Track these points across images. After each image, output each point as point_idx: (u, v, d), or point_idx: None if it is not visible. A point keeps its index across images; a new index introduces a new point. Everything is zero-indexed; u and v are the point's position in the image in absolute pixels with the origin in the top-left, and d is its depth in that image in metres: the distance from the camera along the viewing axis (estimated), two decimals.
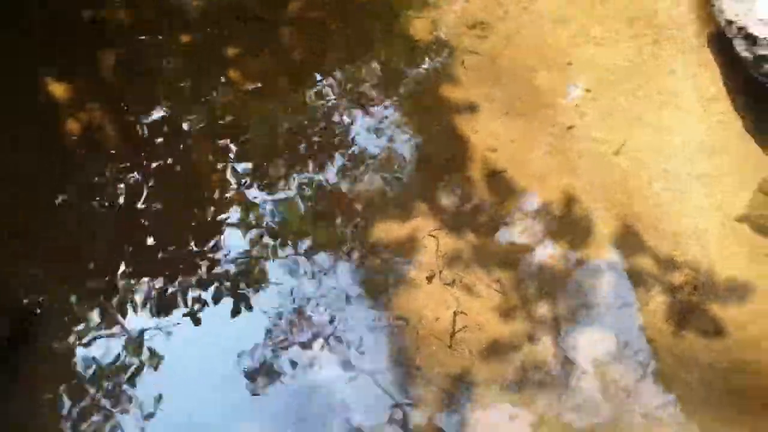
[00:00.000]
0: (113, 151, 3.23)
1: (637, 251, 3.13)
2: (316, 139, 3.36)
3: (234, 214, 3.13)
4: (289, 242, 3.07)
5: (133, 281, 2.91)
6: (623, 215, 3.23)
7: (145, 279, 2.92)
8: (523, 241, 3.12)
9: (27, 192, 3.11)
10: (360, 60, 3.64)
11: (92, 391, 2.67)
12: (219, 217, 3.11)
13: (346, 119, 3.46)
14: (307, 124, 3.40)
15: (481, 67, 3.64)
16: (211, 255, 3.00)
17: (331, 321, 2.88)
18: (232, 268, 2.99)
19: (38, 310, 2.79)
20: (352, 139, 3.41)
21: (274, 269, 3.00)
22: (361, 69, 3.63)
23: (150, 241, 3.01)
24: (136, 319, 2.85)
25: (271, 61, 3.61)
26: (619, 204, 3.26)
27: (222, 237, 3.06)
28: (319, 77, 3.58)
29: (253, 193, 3.19)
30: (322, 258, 3.03)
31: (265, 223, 3.11)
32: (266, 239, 3.07)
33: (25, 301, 2.80)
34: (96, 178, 3.14)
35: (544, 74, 3.67)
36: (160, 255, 2.98)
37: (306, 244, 3.07)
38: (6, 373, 2.62)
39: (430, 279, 2.97)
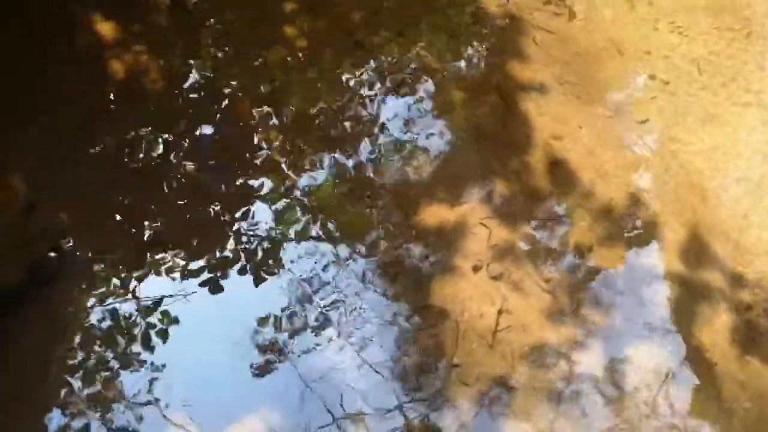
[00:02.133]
0: (152, 106, 3.04)
1: (705, 263, 2.87)
2: (363, 113, 3.14)
3: (266, 185, 2.92)
4: (320, 219, 2.87)
5: (156, 243, 2.75)
6: (692, 222, 2.96)
7: (170, 243, 2.75)
8: (580, 240, 2.88)
9: (64, 136, 2.96)
10: (421, 27, 3.39)
11: (103, 346, 2.55)
12: (250, 187, 2.91)
13: (399, 90, 3.23)
14: (352, 98, 3.17)
15: (555, 46, 3.36)
16: (238, 225, 2.82)
17: (360, 305, 2.69)
18: (259, 241, 2.81)
19: (57, 253, 2.64)
20: (402, 112, 3.17)
21: (303, 246, 2.80)
22: (422, 37, 3.37)
23: (178, 203, 2.84)
24: (157, 280, 2.69)
25: (328, 24, 3.37)
26: (689, 209, 2.99)
27: (251, 208, 2.86)
28: (377, 42, 3.34)
29: (288, 166, 2.97)
30: (357, 238, 2.83)
31: (296, 197, 2.91)
32: (297, 214, 2.86)
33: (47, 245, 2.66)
34: (132, 133, 2.96)
35: (621, 61, 3.37)
36: (187, 217, 2.81)
37: (339, 222, 2.86)
38: (17, 316, 2.50)
39: (476, 269, 2.76)
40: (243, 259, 2.75)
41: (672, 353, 2.67)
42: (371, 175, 2.97)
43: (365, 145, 3.06)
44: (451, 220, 2.87)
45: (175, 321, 2.61)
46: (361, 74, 3.25)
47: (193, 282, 2.68)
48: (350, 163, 3.00)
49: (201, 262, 2.72)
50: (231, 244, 2.77)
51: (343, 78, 3.22)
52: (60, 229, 2.69)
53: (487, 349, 2.60)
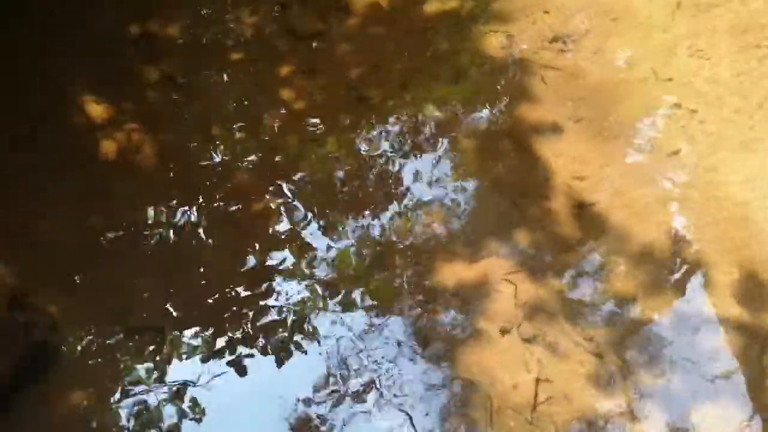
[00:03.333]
0: (161, 184, 2.92)
1: (766, 307, 2.50)
2: (371, 176, 2.95)
3: (287, 259, 2.73)
4: (342, 291, 2.64)
5: (175, 326, 2.56)
6: (744, 261, 2.62)
7: (189, 325, 2.57)
8: (620, 288, 2.56)
9: (70, 224, 2.82)
10: (424, 77, 3.23)
11: None
12: (270, 262, 2.73)
13: (407, 148, 3.04)
14: (364, 160, 3.00)
15: (565, 84, 3.15)
16: (260, 302, 2.62)
17: (385, 382, 2.40)
18: (281, 318, 2.59)
19: (47, 346, 2.44)
20: (414, 169, 2.97)
21: (324, 320, 2.58)
22: (425, 87, 3.21)
23: (196, 284, 2.66)
24: (176, 366, 2.49)
25: (326, 82, 3.25)
26: (737, 247, 2.65)
27: (272, 284, 2.67)
28: (380, 96, 3.18)
29: (306, 239, 2.78)
30: (378, 308, 2.58)
31: (317, 270, 2.70)
32: (318, 288, 2.65)
33: (37, 339, 2.47)
34: (141, 213, 2.83)
35: (641, 91, 3.13)
36: (207, 300, 2.61)
37: (360, 293, 2.63)
38: (8, 420, 2.28)
39: (505, 333, 2.45)
40: (265, 339, 2.53)
41: (741, 416, 2.27)
42: (386, 238, 2.75)
43: (375, 208, 2.86)
44: (471, 278, 2.59)
45: (196, 409, 2.37)
46: (365, 131, 3.08)
47: (217, 364, 2.48)
48: (364, 227, 2.80)
49: (221, 344, 2.51)
50: (251, 322, 2.56)
51: (349, 137, 3.06)
52: (50, 320, 2.50)
53: (527, 426, 2.25)
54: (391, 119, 3.12)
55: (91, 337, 2.55)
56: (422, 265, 2.66)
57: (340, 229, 2.81)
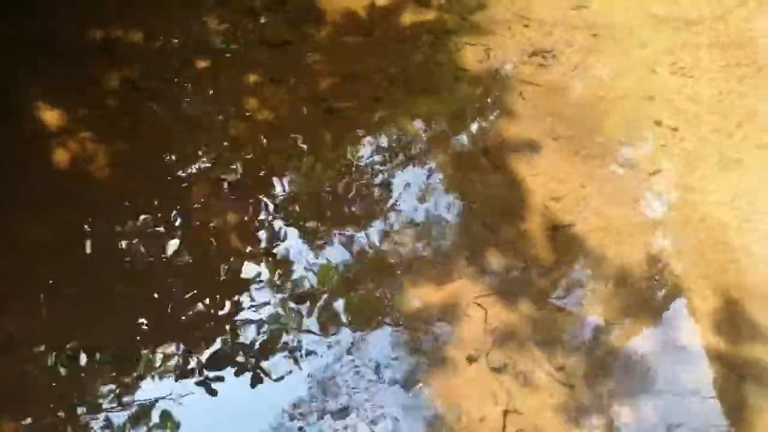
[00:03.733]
0: (131, 200, 2.76)
1: (746, 336, 2.41)
2: (338, 191, 2.82)
3: (262, 275, 2.58)
4: (317, 310, 2.50)
5: (144, 344, 2.41)
6: (725, 286, 2.53)
7: (159, 342, 2.41)
8: (595, 314, 2.45)
9: (45, 241, 2.66)
10: (398, 90, 3.12)
11: None
12: (244, 278, 2.58)
13: (377, 163, 2.93)
14: (331, 175, 2.87)
15: (544, 100, 3.06)
16: (233, 321, 2.48)
17: (355, 407, 2.27)
18: (254, 337, 2.44)
19: None
20: (383, 185, 2.85)
21: (298, 339, 2.43)
22: (399, 100, 3.10)
23: (168, 302, 2.51)
24: (147, 386, 2.33)
25: (295, 92, 3.13)
26: (719, 271, 2.56)
27: (247, 301, 2.52)
28: (350, 108, 3.07)
29: (283, 254, 2.64)
30: (351, 328, 2.45)
31: (293, 287, 2.56)
32: (293, 305, 2.51)
33: None
34: (115, 229, 2.67)
35: (621, 108, 3.05)
36: (180, 318, 2.47)
37: (336, 312, 2.49)
38: None
39: (472, 360, 2.33)
40: (238, 358, 2.39)
41: None
42: (354, 257, 2.63)
43: (341, 226, 2.73)
44: (439, 301, 2.47)
45: (168, 426, 2.25)
46: (334, 143, 2.97)
47: (187, 386, 2.33)
48: (328, 245, 2.67)
49: (193, 366, 2.36)
50: (225, 341, 2.42)
51: (315, 150, 2.93)
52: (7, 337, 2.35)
53: None
54: (361, 132, 3.01)
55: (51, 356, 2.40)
56: (388, 286, 2.53)
57: (317, 245, 2.67)
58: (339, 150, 2.96)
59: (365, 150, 2.97)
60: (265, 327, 2.45)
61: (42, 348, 2.40)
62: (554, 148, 2.91)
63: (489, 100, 3.08)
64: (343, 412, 2.26)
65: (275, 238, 2.70)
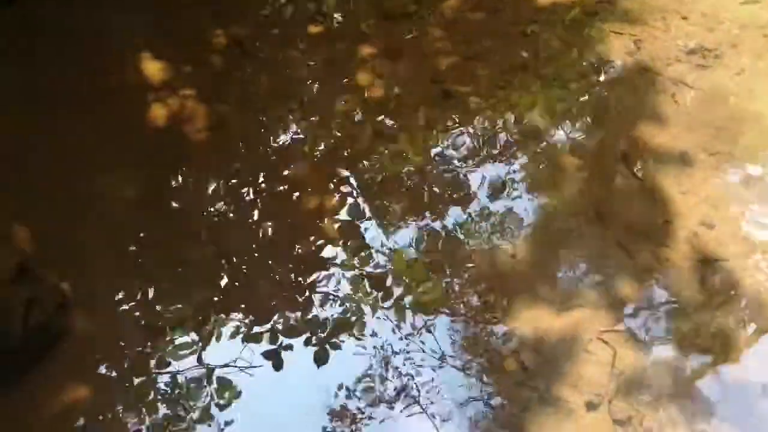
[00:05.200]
0: (221, 162, 2.59)
1: None
2: (449, 176, 2.49)
3: (339, 254, 2.36)
4: (394, 293, 2.24)
5: (217, 311, 2.25)
6: None
7: (232, 309, 2.25)
8: (752, 374, 1.99)
9: (133, 198, 2.53)
10: (527, 77, 2.74)
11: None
12: (322, 256, 2.37)
13: (492, 156, 2.58)
14: (438, 163, 2.55)
15: (701, 107, 2.60)
16: (305, 294, 2.29)
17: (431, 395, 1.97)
18: (325, 313, 2.23)
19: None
20: (495, 182, 2.51)
21: (371, 321, 2.19)
22: (527, 89, 2.72)
23: (238, 269, 2.37)
24: (216, 351, 2.16)
25: (411, 70, 2.81)
26: None
27: (322, 278, 2.32)
28: (469, 93, 2.72)
29: (363, 234, 2.39)
30: (433, 316, 2.15)
31: (370, 269, 2.31)
32: (368, 287, 2.26)
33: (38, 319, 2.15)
34: (203, 189, 2.52)
35: None
36: (254, 286, 2.31)
37: (415, 296, 2.21)
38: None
39: (592, 407, 1.94)
40: (308, 334, 2.20)
41: None
42: (457, 249, 2.31)
43: (453, 215, 2.42)
44: (556, 330, 2.09)
45: (228, 394, 2.09)
46: (450, 130, 2.63)
47: (254, 353, 2.17)
48: (433, 232, 2.36)
49: (264, 336, 2.19)
50: (294, 312, 2.25)
51: (426, 135, 2.62)
52: (60, 299, 2.19)
53: None
54: (478, 121, 2.65)
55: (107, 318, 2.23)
56: (493, 300, 2.18)
57: (398, 229, 2.39)
58: (449, 135, 2.62)
59: (479, 139, 2.62)
60: (338, 304, 2.27)
61: (120, 301, 2.25)
62: (709, 165, 2.44)
63: (634, 99, 2.65)
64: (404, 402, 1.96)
65: (359, 215, 2.46)
